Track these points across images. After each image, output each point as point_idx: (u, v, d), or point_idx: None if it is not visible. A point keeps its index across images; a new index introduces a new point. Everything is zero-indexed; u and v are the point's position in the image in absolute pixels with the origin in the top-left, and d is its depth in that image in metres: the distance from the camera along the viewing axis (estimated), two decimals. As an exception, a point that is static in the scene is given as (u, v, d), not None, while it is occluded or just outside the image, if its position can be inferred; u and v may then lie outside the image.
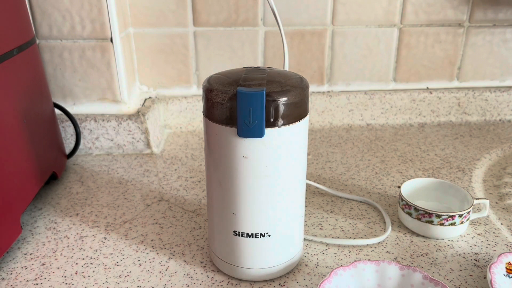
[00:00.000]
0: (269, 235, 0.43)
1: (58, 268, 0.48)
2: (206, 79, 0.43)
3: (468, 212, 0.51)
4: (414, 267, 0.43)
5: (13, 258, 0.50)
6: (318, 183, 0.65)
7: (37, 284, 0.46)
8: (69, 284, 0.46)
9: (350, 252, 0.50)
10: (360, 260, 0.46)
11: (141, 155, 0.75)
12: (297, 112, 0.40)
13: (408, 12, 0.81)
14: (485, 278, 0.46)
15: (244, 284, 0.45)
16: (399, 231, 0.54)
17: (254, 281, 0.46)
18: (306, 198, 0.61)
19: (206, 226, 0.55)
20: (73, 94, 0.74)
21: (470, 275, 0.46)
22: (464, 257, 0.49)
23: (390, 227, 0.54)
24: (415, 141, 0.79)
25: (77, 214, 0.58)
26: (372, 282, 0.43)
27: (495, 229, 0.54)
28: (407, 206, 0.53)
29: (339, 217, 0.57)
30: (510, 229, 0.54)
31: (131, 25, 0.79)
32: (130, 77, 0.78)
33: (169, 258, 0.49)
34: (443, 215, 0.50)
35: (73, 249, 0.51)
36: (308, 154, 0.74)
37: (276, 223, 0.43)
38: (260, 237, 0.43)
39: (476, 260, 0.48)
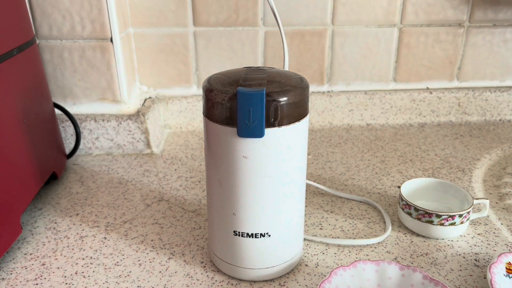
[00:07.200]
0: (269, 235, 0.43)
1: (58, 268, 0.48)
2: (206, 79, 0.43)
3: (468, 212, 0.51)
4: (414, 267, 0.43)
5: (13, 258, 0.50)
6: (318, 183, 0.64)
7: (37, 284, 0.46)
8: (69, 284, 0.46)
9: (350, 252, 0.50)
10: (360, 260, 0.46)
11: (141, 155, 0.75)
12: (297, 112, 0.40)
13: (408, 12, 0.81)
14: (485, 278, 0.46)
15: (244, 284, 0.45)
16: (399, 231, 0.54)
17: (254, 281, 0.46)
18: (306, 198, 0.61)
19: (206, 226, 0.55)
20: (73, 94, 0.74)
21: (470, 275, 0.46)
22: (464, 257, 0.49)
23: (390, 227, 0.54)
24: (415, 141, 0.79)
25: (77, 214, 0.58)
26: (372, 282, 0.43)
27: (495, 229, 0.54)
28: (407, 206, 0.53)
29: (339, 217, 0.57)
30: (510, 229, 0.54)
31: (131, 25, 0.79)
32: (130, 77, 0.78)
33: (169, 258, 0.49)
34: (443, 215, 0.50)
35: (73, 249, 0.51)
36: (308, 154, 0.74)
37: (276, 223, 0.43)
38: (260, 237, 0.43)
39: (476, 260, 0.48)
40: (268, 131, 0.39)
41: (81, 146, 0.75)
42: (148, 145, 0.75)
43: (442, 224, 0.51)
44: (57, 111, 0.72)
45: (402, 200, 0.53)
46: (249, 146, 0.39)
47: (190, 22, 0.79)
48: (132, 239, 0.53)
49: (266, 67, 0.46)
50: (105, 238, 0.53)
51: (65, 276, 0.47)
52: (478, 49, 0.85)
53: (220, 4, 0.78)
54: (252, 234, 0.43)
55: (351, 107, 0.85)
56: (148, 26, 0.79)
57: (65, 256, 0.50)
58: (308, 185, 0.64)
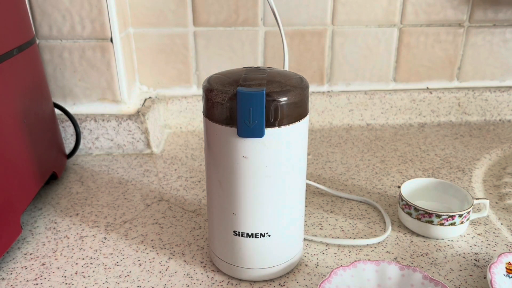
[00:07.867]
0: (269, 235, 0.43)
1: (58, 268, 0.48)
2: (206, 79, 0.43)
3: (468, 212, 0.51)
4: (414, 267, 0.43)
5: (13, 258, 0.50)
6: (318, 183, 0.64)
7: (37, 284, 0.46)
8: (69, 284, 0.46)
9: (350, 252, 0.50)
10: (360, 260, 0.46)
11: (141, 155, 0.75)
12: (297, 112, 0.40)
13: (408, 12, 0.81)
14: (485, 278, 0.46)
15: (244, 284, 0.45)
16: (399, 231, 0.54)
17: (254, 281, 0.46)
18: (306, 198, 0.61)
19: (206, 226, 0.55)
20: (73, 94, 0.74)
21: (470, 275, 0.46)
22: (464, 257, 0.49)
23: (390, 227, 0.54)
24: (415, 141, 0.79)
25: (77, 214, 0.58)
26: (372, 282, 0.43)
27: (495, 229, 0.54)
28: (407, 206, 0.53)
29: (339, 217, 0.57)
30: (510, 229, 0.54)
31: (131, 25, 0.79)
32: (130, 77, 0.78)
33: (169, 258, 0.49)
34: (443, 215, 0.50)
35: (73, 249, 0.51)
36: (308, 154, 0.74)
37: (276, 223, 0.43)
38: (260, 237, 0.43)
39: (476, 260, 0.48)
40: (268, 131, 0.39)
41: (81, 146, 0.75)
42: (148, 145, 0.75)
43: (442, 224, 0.51)
44: (57, 111, 0.72)
45: (402, 200, 0.53)
46: (249, 146, 0.39)
47: (190, 22, 0.79)
48: (132, 239, 0.53)
49: (266, 67, 0.46)
50: (105, 238, 0.53)
51: (65, 276, 0.47)
52: (478, 49, 0.85)
53: (220, 4, 0.78)
54: (252, 234, 0.43)
55: (351, 107, 0.85)
56: (148, 26, 0.79)
57: (65, 256, 0.50)
58: (308, 185, 0.64)
